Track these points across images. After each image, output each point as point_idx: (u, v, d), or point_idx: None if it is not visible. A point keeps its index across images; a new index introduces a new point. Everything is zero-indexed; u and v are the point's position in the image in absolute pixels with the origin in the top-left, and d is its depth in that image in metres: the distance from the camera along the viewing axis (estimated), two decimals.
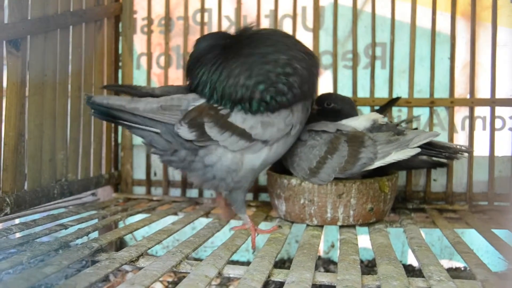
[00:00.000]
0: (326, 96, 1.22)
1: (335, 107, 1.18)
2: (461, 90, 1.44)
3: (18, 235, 0.99)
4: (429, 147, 1.04)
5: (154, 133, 1.02)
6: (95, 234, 1.08)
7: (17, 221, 1.24)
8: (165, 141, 1.02)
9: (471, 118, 1.42)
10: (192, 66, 1.05)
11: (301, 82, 1.01)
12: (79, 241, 0.97)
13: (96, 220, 1.17)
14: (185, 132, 1.00)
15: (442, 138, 1.40)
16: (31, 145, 1.13)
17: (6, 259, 0.79)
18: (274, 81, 0.99)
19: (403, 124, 1.41)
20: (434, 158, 1.41)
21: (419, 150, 1.00)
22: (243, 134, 1.01)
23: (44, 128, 1.17)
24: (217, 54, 1.02)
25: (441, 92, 1.44)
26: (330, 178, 1.05)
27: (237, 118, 1.01)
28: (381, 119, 1.11)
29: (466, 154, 1.13)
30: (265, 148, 1.04)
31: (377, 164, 1.03)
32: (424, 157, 1.43)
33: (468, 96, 1.43)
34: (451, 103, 1.43)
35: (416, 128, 1.35)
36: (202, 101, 1.02)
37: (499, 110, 1.41)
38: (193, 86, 1.04)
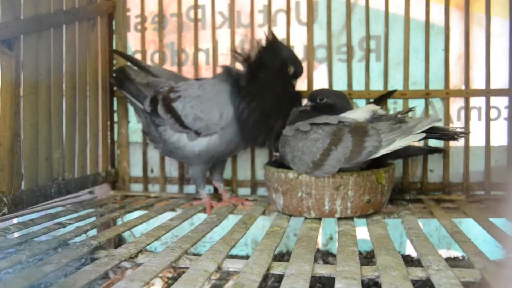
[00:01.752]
0: (318, 92, 1.22)
1: (328, 102, 1.18)
2: (456, 81, 1.44)
3: (16, 234, 0.99)
4: (431, 131, 1.04)
5: (140, 110, 1.31)
6: (93, 232, 1.08)
7: (15, 220, 1.24)
8: (145, 119, 1.31)
9: (467, 108, 1.42)
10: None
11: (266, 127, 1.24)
12: (77, 239, 0.97)
13: (94, 218, 1.17)
14: (146, 105, 1.26)
15: None
16: (27, 145, 1.13)
17: (5, 259, 0.79)
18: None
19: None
20: (431, 145, 1.43)
21: (423, 135, 1.00)
22: (178, 119, 1.23)
23: (40, 127, 1.17)
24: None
25: (436, 83, 1.45)
26: (335, 169, 1.05)
27: (179, 105, 1.23)
28: (379, 110, 1.11)
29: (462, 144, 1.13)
30: (200, 139, 1.24)
31: (383, 152, 1.03)
32: (421, 144, 1.43)
33: (463, 87, 1.43)
34: (446, 94, 1.43)
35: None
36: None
37: (494, 100, 1.41)
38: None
